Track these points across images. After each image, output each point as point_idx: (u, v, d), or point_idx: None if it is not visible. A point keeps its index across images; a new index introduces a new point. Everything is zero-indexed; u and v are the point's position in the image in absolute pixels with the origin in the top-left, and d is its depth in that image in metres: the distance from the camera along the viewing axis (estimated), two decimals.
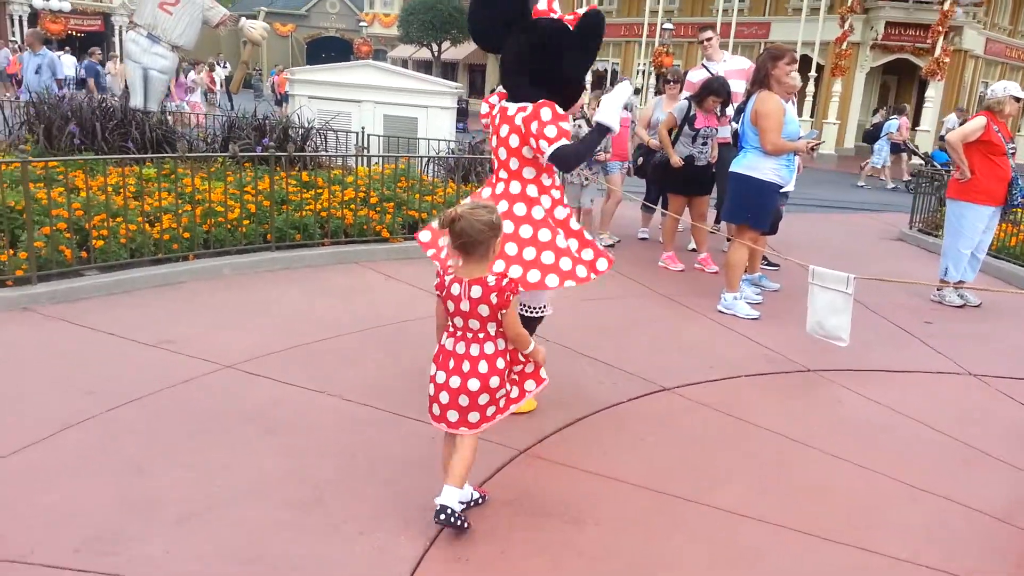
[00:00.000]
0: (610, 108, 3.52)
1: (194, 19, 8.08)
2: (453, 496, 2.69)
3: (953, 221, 6.33)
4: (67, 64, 18.99)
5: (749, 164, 5.49)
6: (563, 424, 3.69)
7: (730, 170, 5.67)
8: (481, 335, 2.69)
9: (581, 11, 3.57)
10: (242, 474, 3.08)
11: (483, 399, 2.70)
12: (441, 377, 2.71)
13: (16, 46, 24.69)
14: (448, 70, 40.06)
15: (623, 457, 3.44)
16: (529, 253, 3.36)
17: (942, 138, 9.05)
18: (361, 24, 45.40)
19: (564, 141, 3.37)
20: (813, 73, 22.28)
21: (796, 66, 5.61)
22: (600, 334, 5.02)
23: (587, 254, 3.58)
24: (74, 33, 31.51)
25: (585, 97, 6.36)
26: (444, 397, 2.70)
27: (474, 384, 2.67)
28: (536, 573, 2.62)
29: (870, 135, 17.85)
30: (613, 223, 7.82)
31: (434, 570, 2.59)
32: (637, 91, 26.18)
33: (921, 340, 5.38)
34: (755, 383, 4.44)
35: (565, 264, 3.39)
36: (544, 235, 3.40)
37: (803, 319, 4.74)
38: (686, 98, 6.95)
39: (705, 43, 7.52)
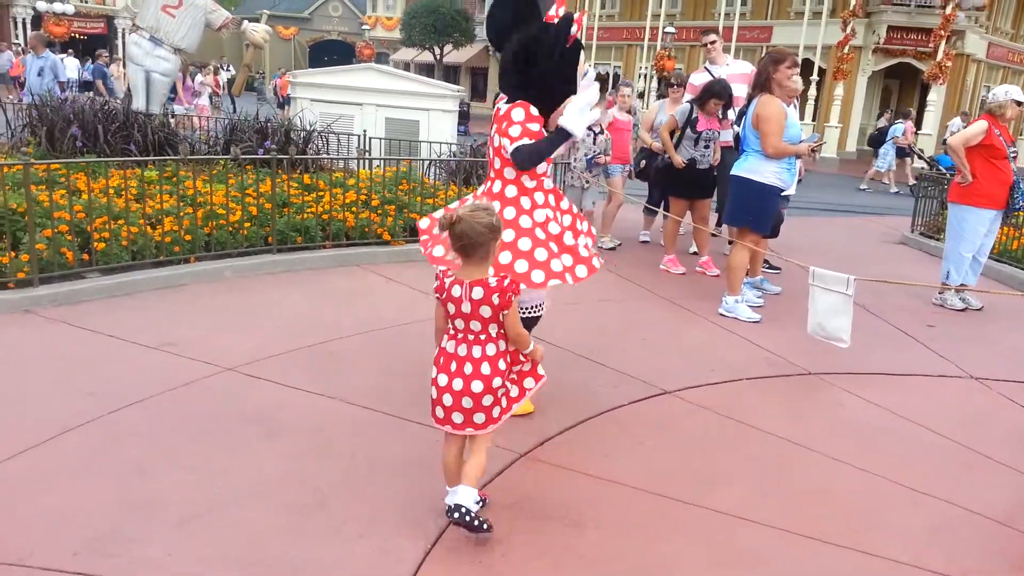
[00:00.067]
0: (573, 111, 3.41)
1: (196, 22, 8.10)
2: (468, 496, 2.69)
3: (955, 225, 6.33)
4: (70, 67, 19.03)
5: (750, 167, 5.49)
6: (564, 427, 3.68)
7: (731, 173, 5.67)
8: (483, 337, 2.69)
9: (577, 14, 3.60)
10: (243, 476, 3.08)
11: (487, 400, 2.70)
12: (443, 380, 2.71)
13: (19, 49, 24.76)
14: (450, 73, 40.11)
15: (624, 460, 3.44)
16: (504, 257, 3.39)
17: (946, 142, 9.04)
18: (363, 27, 45.50)
19: (525, 140, 3.39)
20: (815, 77, 22.29)
21: (797, 70, 5.62)
22: (601, 337, 5.02)
23: (566, 259, 3.51)
24: (77, 36, 31.57)
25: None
26: (447, 400, 2.70)
27: (477, 386, 2.67)
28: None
29: (875, 139, 17.86)
30: (614, 226, 7.82)
31: (435, 572, 2.59)
32: (640, 95, 26.24)
33: (923, 343, 5.37)
34: (756, 386, 4.44)
35: (536, 264, 3.38)
36: (507, 235, 3.38)
37: (804, 322, 4.74)
38: (688, 101, 6.95)
39: (709, 46, 7.53)
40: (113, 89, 17.80)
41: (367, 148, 8.65)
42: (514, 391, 2.85)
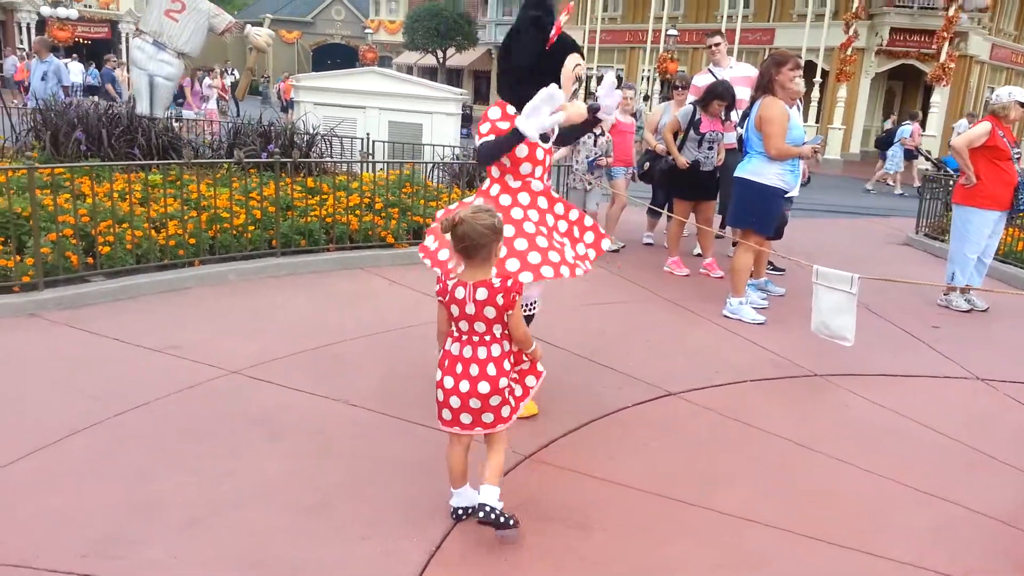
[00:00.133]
0: (525, 111, 3.28)
1: (199, 26, 8.12)
2: (493, 494, 2.70)
3: (959, 226, 6.32)
4: (74, 71, 19.10)
5: (753, 169, 5.49)
6: (568, 429, 3.68)
7: (735, 175, 5.67)
8: (487, 337, 2.70)
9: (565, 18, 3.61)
10: (247, 478, 3.08)
11: (495, 400, 2.71)
12: (449, 382, 2.72)
13: (24, 53, 24.87)
14: (453, 76, 40.17)
15: (628, 462, 3.44)
16: None
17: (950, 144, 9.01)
18: (366, 31, 45.56)
19: (490, 137, 3.43)
20: (818, 79, 22.26)
21: (800, 72, 5.61)
22: (605, 339, 5.02)
23: (533, 256, 3.46)
24: (81, 40, 31.69)
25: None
26: (454, 402, 2.71)
27: (484, 387, 2.68)
28: None
29: (883, 141, 17.84)
30: (618, 228, 7.82)
31: (439, 574, 2.59)
32: (646, 98, 26.26)
33: (928, 344, 5.36)
34: (761, 387, 4.43)
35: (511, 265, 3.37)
36: None
37: (809, 323, 4.73)
38: (691, 102, 6.95)
39: (713, 48, 7.53)
40: (121, 93, 17.87)
41: (370, 151, 8.66)
42: (518, 390, 2.86)
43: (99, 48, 34.29)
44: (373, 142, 8.92)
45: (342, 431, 3.53)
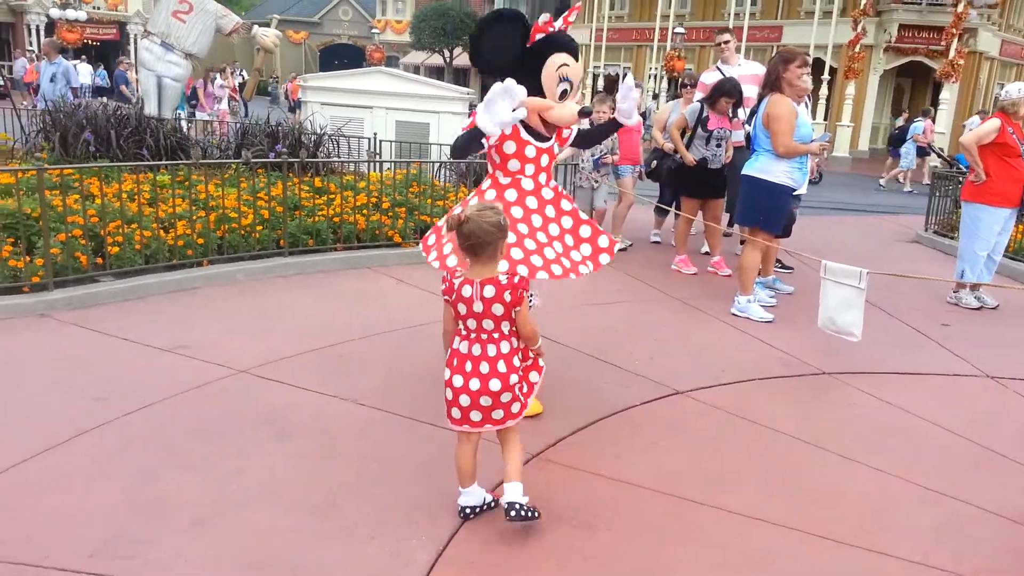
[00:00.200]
0: (481, 107, 3.27)
1: (207, 27, 8.15)
2: (518, 491, 2.75)
3: (968, 223, 6.28)
4: (83, 73, 19.19)
5: (761, 167, 5.47)
6: (575, 428, 3.68)
7: (742, 173, 5.65)
8: (496, 335, 2.71)
9: (572, 17, 3.61)
10: (254, 478, 3.09)
11: (505, 397, 2.72)
12: (458, 381, 2.72)
13: (33, 55, 25.00)
14: (460, 76, 40.17)
15: (636, 461, 3.43)
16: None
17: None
18: (373, 31, 45.60)
19: (463, 132, 3.45)
20: (826, 76, 22.16)
21: (808, 69, 5.58)
22: (612, 337, 5.01)
23: (515, 252, 3.47)
24: (90, 42, 31.82)
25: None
26: (464, 400, 2.71)
27: (495, 384, 2.69)
28: None
29: (896, 138, 17.74)
30: (625, 226, 7.80)
31: (447, 573, 2.59)
32: (655, 96, 26.20)
33: (937, 342, 5.33)
34: (769, 386, 4.41)
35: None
36: None
37: (817, 320, 4.71)
38: (698, 100, 6.94)
39: (723, 46, 7.50)
40: (136, 94, 17.97)
41: (377, 151, 8.67)
42: (524, 386, 2.86)
43: (107, 49, 34.48)
44: (380, 142, 8.92)
45: (349, 431, 3.54)
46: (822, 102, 22.56)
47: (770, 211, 5.54)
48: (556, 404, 3.84)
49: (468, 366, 2.71)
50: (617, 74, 30.29)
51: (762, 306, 5.70)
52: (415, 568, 2.59)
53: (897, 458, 3.57)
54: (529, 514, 2.74)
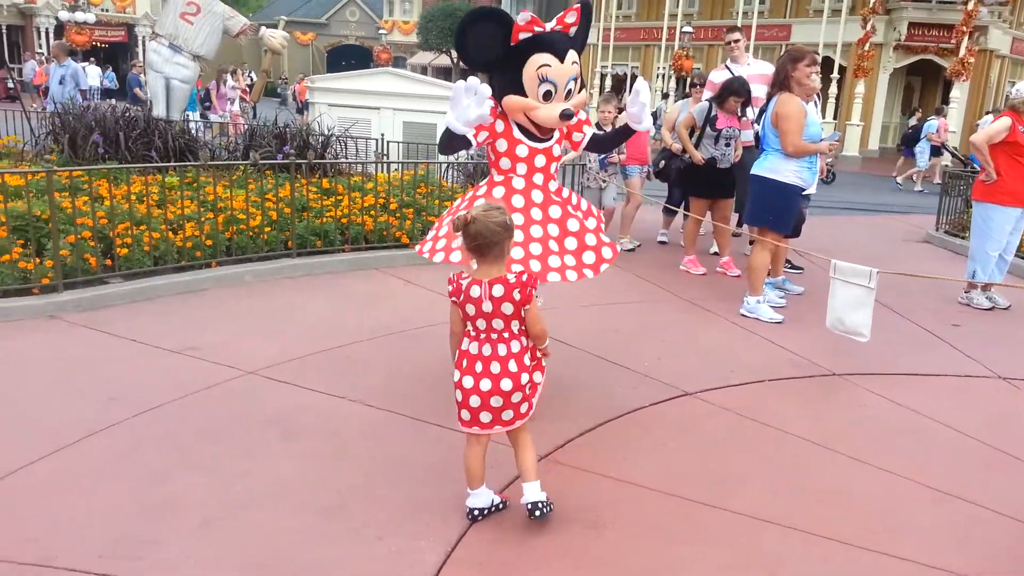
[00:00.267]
0: (449, 104, 3.41)
1: (214, 29, 8.17)
2: (537, 490, 2.81)
3: (980, 223, 6.24)
4: (91, 75, 19.28)
5: (770, 166, 5.45)
6: (584, 429, 3.66)
7: (751, 172, 5.63)
8: (506, 334, 2.71)
9: (571, 19, 3.60)
10: (262, 479, 3.09)
11: (516, 397, 2.73)
12: (469, 382, 2.72)
13: (43, 57, 25.13)
14: (467, 76, 40.15)
15: (644, 462, 3.42)
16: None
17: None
18: (380, 32, 45.70)
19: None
20: (835, 75, 22.06)
21: (817, 68, 5.56)
22: (620, 338, 5.00)
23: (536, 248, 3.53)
24: (98, 44, 31.99)
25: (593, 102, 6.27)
26: (474, 401, 2.71)
27: (507, 384, 2.70)
28: None
29: (910, 138, 17.63)
30: (633, 227, 7.79)
31: (455, 574, 2.58)
32: (665, 96, 26.14)
33: (949, 343, 5.29)
34: (778, 387, 4.39)
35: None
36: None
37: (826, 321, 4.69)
38: (706, 99, 6.91)
39: (732, 45, 7.46)
40: (148, 96, 18.05)
41: (385, 152, 8.68)
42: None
43: (116, 51, 34.65)
44: (387, 142, 8.93)
45: (358, 432, 3.53)
46: (831, 101, 22.45)
47: (779, 211, 5.51)
48: (564, 405, 3.83)
49: (478, 367, 2.71)
50: (625, 74, 30.27)
51: (771, 307, 5.67)
52: (423, 569, 2.59)
53: (907, 460, 3.55)
54: (549, 509, 2.81)
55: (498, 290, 2.63)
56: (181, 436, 3.40)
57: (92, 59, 26.08)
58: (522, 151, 3.60)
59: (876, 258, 7.56)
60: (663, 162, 7.38)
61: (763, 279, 5.69)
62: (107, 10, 33.94)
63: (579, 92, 3.62)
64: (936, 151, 16.68)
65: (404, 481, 3.12)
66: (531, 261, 3.43)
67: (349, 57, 47.18)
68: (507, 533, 2.81)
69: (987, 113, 19.24)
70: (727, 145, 6.63)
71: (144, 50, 24.99)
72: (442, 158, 8.48)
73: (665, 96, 26.38)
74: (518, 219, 3.53)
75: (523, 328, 2.74)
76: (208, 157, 6.46)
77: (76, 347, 4.40)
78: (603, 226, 3.93)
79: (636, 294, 6.13)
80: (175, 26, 8.03)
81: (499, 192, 3.61)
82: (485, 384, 2.69)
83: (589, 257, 3.65)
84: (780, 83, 5.44)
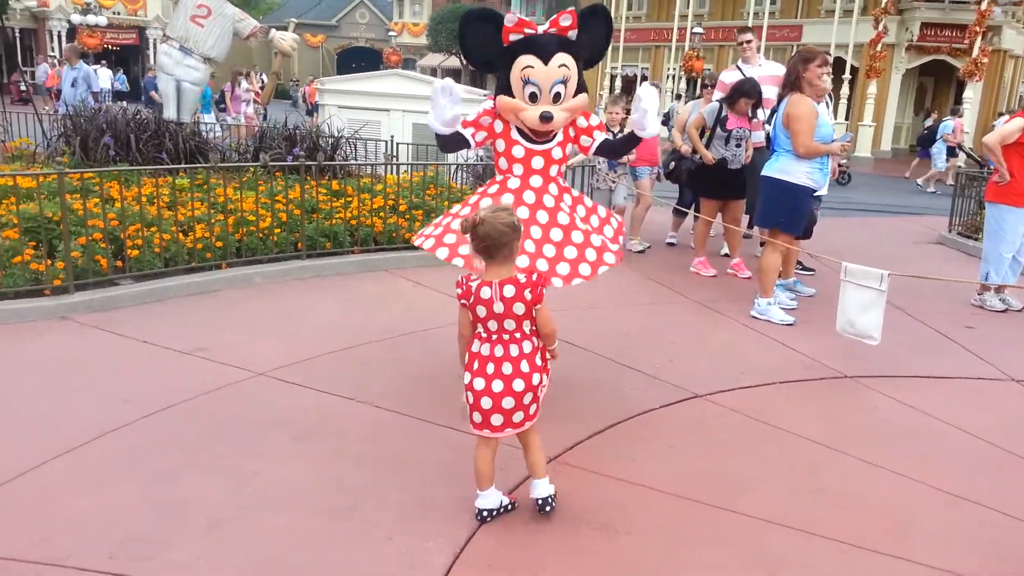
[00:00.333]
0: (429, 111, 3.48)
1: (225, 31, 8.19)
2: (546, 486, 2.87)
3: (993, 225, 6.19)
4: (103, 77, 19.38)
5: (781, 168, 5.42)
6: (593, 431, 3.65)
7: (762, 174, 5.60)
8: (517, 335, 2.71)
9: (565, 21, 3.58)
10: (272, 480, 3.09)
11: (527, 398, 2.73)
12: (480, 384, 2.71)
13: (55, 60, 25.31)
14: (477, 78, 40.17)
15: (654, 464, 3.40)
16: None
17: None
18: (390, 34, 45.80)
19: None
20: (847, 75, 21.96)
21: (828, 68, 5.53)
22: (631, 340, 4.98)
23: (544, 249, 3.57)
24: (110, 47, 32.18)
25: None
26: (486, 403, 2.71)
27: (519, 385, 2.70)
28: None
29: (926, 139, 17.51)
30: (643, 229, 7.76)
31: (465, 575, 2.58)
32: (678, 96, 26.09)
33: (962, 345, 5.25)
34: (789, 389, 4.37)
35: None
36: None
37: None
38: (717, 100, 6.88)
39: (744, 45, 7.43)
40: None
41: (394, 153, 8.68)
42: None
43: (127, 54, 34.84)
44: (397, 144, 8.94)
45: (367, 433, 3.53)
46: (843, 102, 22.35)
47: (791, 212, 5.48)
48: (573, 407, 3.82)
49: (490, 368, 2.71)
50: (635, 75, 30.23)
51: (782, 309, 5.64)
52: (432, 570, 2.58)
53: (919, 462, 3.52)
54: (553, 503, 2.89)
55: (509, 290, 2.63)
56: (191, 437, 3.41)
57: (103, 62, 26.23)
58: (518, 152, 3.62)
59: (888, 260, 7.52)
60: (673, 163, 7.35)
61: (774, 281, 5.67)
62: (118, 13, 34.14)
63: (576, 95, 3.59)
64: (952, 152, 16.56)
65: (413, 482, 3.12)
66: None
67: (359, 59, 47.27)
68: (516, 534, 2.80)
69: (1001, 114, 19.11)
70: (737, 146, 6.60)
71: (155, 53, 25.15)
72: (451, 159, 8.49)
73: (678, 97, 26.34)
74: (534, 232, 3.58)
75: (534, 328, 2.74)
76: (218, 159, 6.48)
77: (87, 348, 4.42)
78: (620, 237, 3.91)
79: (646, 296, 6.11)
80: (186, 28, 8.06)
81: (493, 189, 3.70)
82: (497, 385, 2.69)
83: (565, 268, 3.53)
84: (791, 84, 5.42)
